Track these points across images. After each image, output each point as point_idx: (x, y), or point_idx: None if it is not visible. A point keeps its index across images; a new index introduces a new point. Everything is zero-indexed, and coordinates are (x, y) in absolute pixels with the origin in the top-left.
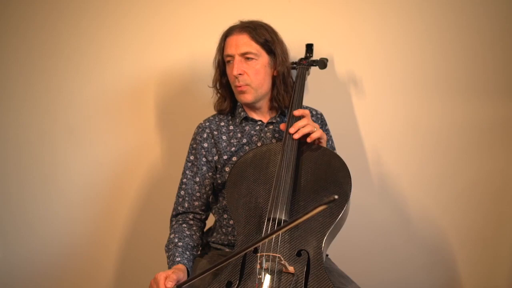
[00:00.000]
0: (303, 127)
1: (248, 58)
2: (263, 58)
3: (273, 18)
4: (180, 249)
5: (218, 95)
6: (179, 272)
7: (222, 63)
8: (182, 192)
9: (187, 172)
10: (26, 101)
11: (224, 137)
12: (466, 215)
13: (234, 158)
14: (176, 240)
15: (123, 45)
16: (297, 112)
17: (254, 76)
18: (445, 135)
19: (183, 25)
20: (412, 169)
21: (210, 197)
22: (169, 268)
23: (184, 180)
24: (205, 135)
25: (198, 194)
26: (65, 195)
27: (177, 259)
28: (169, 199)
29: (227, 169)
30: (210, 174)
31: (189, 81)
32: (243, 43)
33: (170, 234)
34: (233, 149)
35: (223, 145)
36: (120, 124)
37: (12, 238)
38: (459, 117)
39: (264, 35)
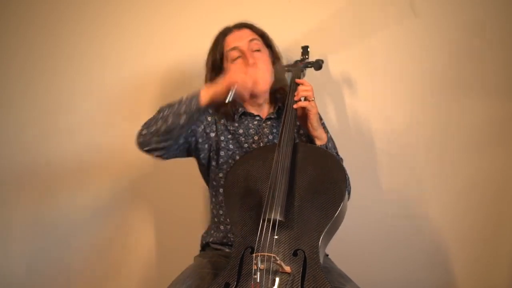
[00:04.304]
0: (304, 91)
1: (256, 50)
2: (265, 50)
3: (270, 19)
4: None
5: None
6: None
7: (219, 63)
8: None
9: None
10: (26, 101)
11: (222, 121)
12: (466, 215)
13: (231, 146)
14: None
15: (124, 44)
16: (300, 80)
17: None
18: (444, 135)
19: (183, 25)
20: (411, 169)
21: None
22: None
23: None
24: (208, 114)
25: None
26: (65, 195)
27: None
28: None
29: (222, 152)
30: (199, 140)
31: (190, 81)
32: (248, 34)
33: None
34: (229, 136)
35: (221, 128)
36: (121, 124)
37: (11, 240)
38: (459, 117)
39: (260, 30)
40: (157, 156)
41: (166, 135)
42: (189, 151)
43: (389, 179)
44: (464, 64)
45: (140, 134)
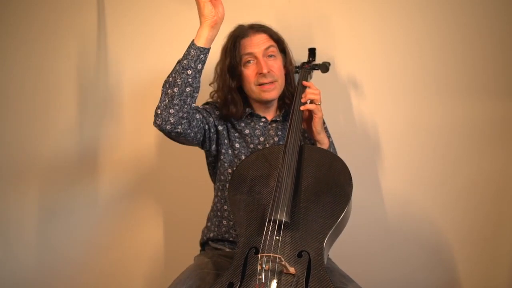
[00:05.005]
0: (311, 94)
1: (270, 56)
2: (279, 56)
3: (274, 21)
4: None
5: (229, 99)
6: None
7: (235, 67)
8: None
9: None
10: (25, 101)
11: (230, 119)
12: (466, 215)
13: (237, 145)
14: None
15: (124, 44)
16: (307, 83)
17: (279, 73)
18: (445, 135)
19: (183, 25)
20: (412, 169)
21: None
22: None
23: None
24: (215, 108)
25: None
26: (64, 197)
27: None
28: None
29: (230, 150)
30: (212, 130)
31: None
32: (264, 40)
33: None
34: (236, 134)
35: (229, 124)
36: (121, 125)
37: (11, 239)
38: (459, 117)
39: (276, 34)
40: (180, 132)
41: (180, 101)
42: (205, 138)
43: (390, 179)
44: (465, 64)
45: (156, 117)
